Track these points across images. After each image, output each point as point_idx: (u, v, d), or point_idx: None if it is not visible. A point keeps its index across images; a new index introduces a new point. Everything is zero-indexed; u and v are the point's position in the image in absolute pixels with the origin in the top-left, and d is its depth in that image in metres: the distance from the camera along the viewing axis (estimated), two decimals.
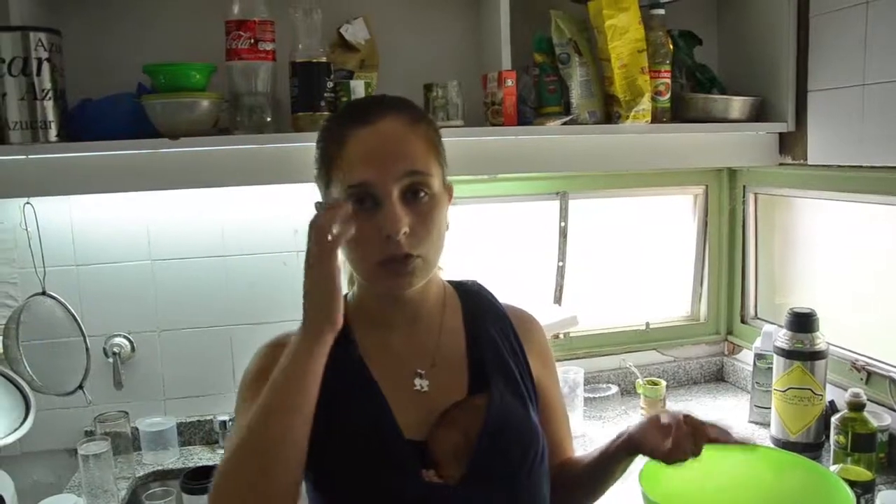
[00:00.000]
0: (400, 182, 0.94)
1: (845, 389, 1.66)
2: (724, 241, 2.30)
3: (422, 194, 0.96)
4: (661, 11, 1.84)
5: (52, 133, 1.51)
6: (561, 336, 2.17)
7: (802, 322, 1.75)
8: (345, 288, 1.13)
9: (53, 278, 1.79)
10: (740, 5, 2.02)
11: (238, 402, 1.02)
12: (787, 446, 1.74)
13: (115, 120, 1.58)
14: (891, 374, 1.71)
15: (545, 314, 2.03)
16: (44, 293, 1.77)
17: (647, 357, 2.27)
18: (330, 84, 1.65)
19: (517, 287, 2.09)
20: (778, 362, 1.78)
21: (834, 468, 1.47)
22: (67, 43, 1.56)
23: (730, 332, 2.33)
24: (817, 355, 1.73)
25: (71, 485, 1.74)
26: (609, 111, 1.83)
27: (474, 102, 1.80)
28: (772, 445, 1.80)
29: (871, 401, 1.68)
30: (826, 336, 1.76)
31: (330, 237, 0.89)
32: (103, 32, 1.72)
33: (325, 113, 1.63)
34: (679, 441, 1.02)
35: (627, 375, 2.19)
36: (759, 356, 1.96)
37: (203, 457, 1.88)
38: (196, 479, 1.67)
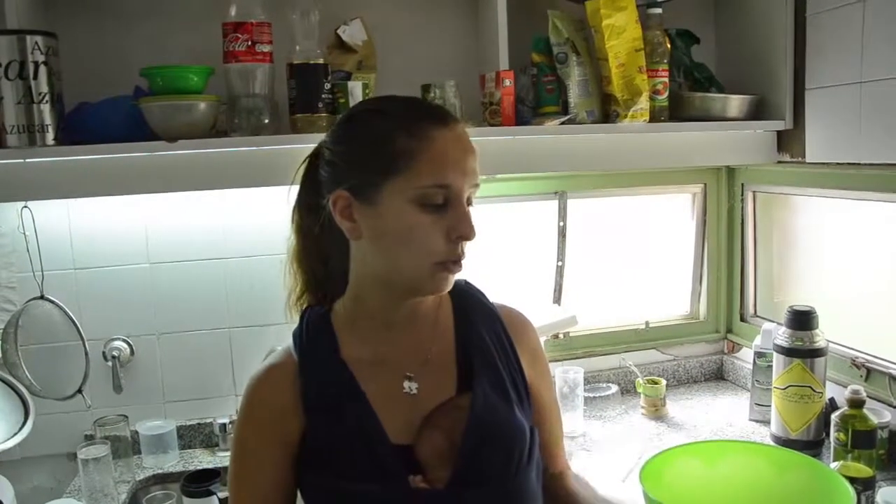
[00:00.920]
0: (470, 190, 0.99)
1: (845, 387, 1.66)
2: (722, 240, 2.30)
3: (470, 206, 1.00)
4: (659, 11, 1.84)
5: (50, 137, 1.50)
6: (560, 336, 2.16)
7: (802, 320, 1.75)
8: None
9: (52, 282, 1.78)
10: (737, 4, 2.02)
11: (233, 435, 1.08)
12: (787, 444, 1.74)
13: (112, 123, 1.57)
14: (890, 370, 1.71)
15: (544, 314, 2.04)
16: (42, 297, 1.77)
17: (647, 356, 2.27)
18: (328, 85, 1.65)
19: (516, 287, 2.09)
20: (778, 360, 1.78)
21: (834, 465, 1.47)
22: (64, 46, 1.55)
23: (729, 331, 2.33)
24: (817, 353, 1.73)
25: (71, 489, 1.73)
26: (607, 110, 1.83)
27: (472, 103, 1.80)
28: (772, 443, 1.80)
29: (871, 397, 1.68)
30: (826, 333, 1.75)
31: None
32: (100, 35, 1.71)
33: (323, 114, 1.63)
34: None
35: (627, 374, 2.19)
36: (758, 354, 1.96)
37: (203, 460, 1.87)
38: (196, 482, 1.66)
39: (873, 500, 1.43)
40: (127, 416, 1.82)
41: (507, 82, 1.72)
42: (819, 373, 1.74)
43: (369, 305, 1.05)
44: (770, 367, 1.85)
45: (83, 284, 1.84)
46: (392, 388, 1.03)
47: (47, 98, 1.49)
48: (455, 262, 0.98)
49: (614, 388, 2.11)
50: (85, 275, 1.84)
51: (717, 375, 2.33)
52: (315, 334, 1.06)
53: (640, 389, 2.09)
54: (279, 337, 1.83)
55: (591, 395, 2.07)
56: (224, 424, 1.89)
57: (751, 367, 2.01)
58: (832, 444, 1.63)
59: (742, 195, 2.21)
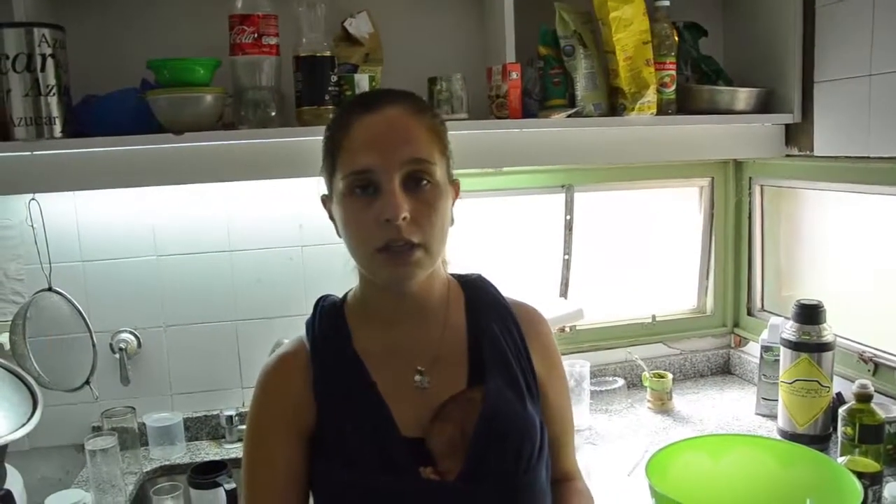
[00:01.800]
0: (402, 169, 0.94)
1: (853, 381, 1.65)
2: (730, 234, 2.29)
3: (424, 182, 0.96)
4: (666, 3, 1.83)
5: (57, 129, 1.50)
6: (567, 329, 2.16)
7: (809, 314, 1.74)
8: (349, 283, 1.13)
9: (59, 274, 1.79)
10: None
11: (247, 424, 1.07)
12: (794, 438, 1.74)
13: (119, 115, 1.58)
14: None
15: (551, 307, 2.03)
16: (50, 289, 1.78)
17: (654, 350, 2.26)
18: (334, 78, 1.64)
19: (523, 280, 2.09)
20: (785, 354, 1.78)
21: (841, 460, 1.46)
22: (71, 39, 1.55)
23: (736, 325, 2.33)
24: (824, 347, 1.73)
25: (79, 480, 1.74)
26: (614, 103, 1.83)
27: (479, 95, 1.80)
28: (779, 438, 1.80)
29: (879, 392, 1.67)
30: (833, 328, 1.75)
31: None
32: (107, 28, 1.71)
33: (330, 107, 1.63)
34: None
35: (634, 368, 2.18)
36: (765, 348, 1.96)
37: (210, 451, 1.88)
38: (203, 473, 1.67)
39: (881, 495, 1.43)
40: (134, 408, 1.83)
41: (514, 75, 1.71)
42: (826, 367, 1.73)
43: (370, 298, 1.06)
44: (777, 361, 1.84)
45: (91, 277, 1.85)
46: (403, 381, 1.02)
47: (55, 90, 1.49)
48: (392, 247, 0.94)
49: (620, 382, 2.11)
50: (92, 267, 1.85)
51: (724, 370, 2.33)
52: (328, 325, 1.06)
53: (646, 383, 2.08)
54: (286, 329, 1.85)
55: (597, 388, 2.07)
56: (231, 416, 1.89)
57: (758, 361, 2.00)
58: (839, 439, 1.62)
59: (750, 189, 2.21)
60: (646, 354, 2.21)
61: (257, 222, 1.93)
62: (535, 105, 1.85)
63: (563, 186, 2.13)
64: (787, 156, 1.96)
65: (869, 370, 1.78)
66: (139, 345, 1.89)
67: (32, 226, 1.74)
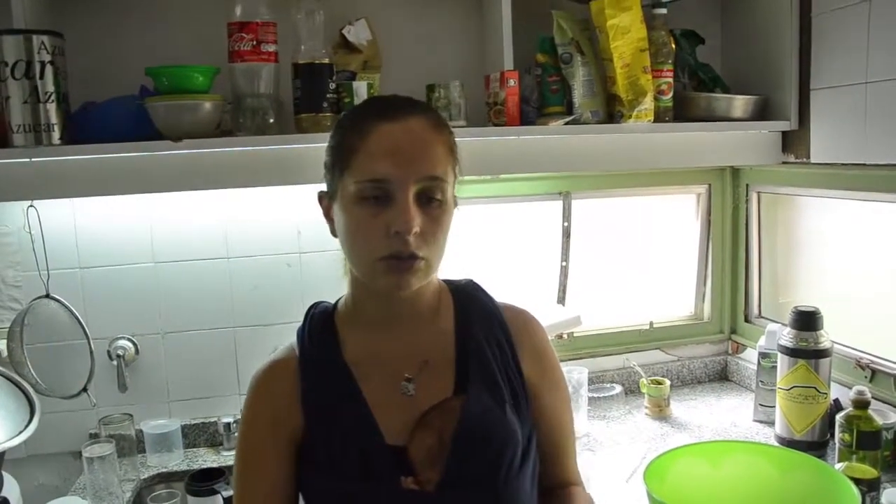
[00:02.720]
0: (419, 184, 0.94)
1: (850, 387, 1.65)
2: (727, 240, 2.30)
3: (435, 199, 0.96)
4: (664, 11, 1.84)
5: (56, 136, 1.51)
6: (565, 336, 2.16)
7: (806, 320, 1.75)
8: (341, 290, 1.13)
9: (57, 281, 1.79)
10: (742, 4, 2.02)
11: (238, 431, 1.08)
12: (791, 445, 1.74)
13: (118, 122, 1.58)
14: (895, 371, 1.71)
15: (549, 314, 2.04)
16: (47, 296, 1.77)
17: (651, 356, 2.27)
18: (332, 85, 1.65)
19: (520, 287, 2.10)
20: (782, 361, 1.78)
21: (839, 466, 1.47)
22: (70, 46, 1.56)
23: (734, 331, 2.33)
24: (821, 353, 1.73)
25: (76, 487, 1.74)
26: (611, 111, 1.83)
27: (477, 103, 1.80)
28: (776, 444, 1.80)
29: (876, 398, 1.68)
30: (830, 334, 1.75)
31: None
32: (106, 35, 1.72)
33: (328, 114, 1.63)
34: None
35: (631, 375, 2.19)
36: (763, 355, 1.96)
37: (208, 458, 1.88)
38: (201, 480, 1.67)
39: (878, 502, 1.43)
40: (132, 415, 1.83)
41: (512, 82, 1.72)
42: (824, 373, 1.73)
43: (362, 305, 1.05)
44: (774, 367, 1.84)
45: (88, 283, 1.85)
46: (390, 389, 1.02)
47: (53, 97, 1.50)
48: (396, 257, 0.94)
49: (618, 389, 2.11)
50: (90, 274, 1.85)
51: (722, 376, 2.33)
52: (318, 332, 1.06)
53: (644, 390, 2.09)
54: (284, 336, 1.83)
55: (595, 395, 2.07)
56: (228, 423, 1.89)
57: (755, 367, 2.01)
58: (837, 445, 1.62)
59: (747, 196, 2.21)
60: (643, 361, 2.22)
61: (255, 229, 1.93)
62: (532, 112, 1.86)
63: (560, 193, 2.14)
64: (784, 163, 1.97)
65: (866, 376, 1.78)
66: (137, 351, 1.89)
67: (30, 232, 1.74)
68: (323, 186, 1.04)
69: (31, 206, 1.72)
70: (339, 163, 0.98)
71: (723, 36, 2.11)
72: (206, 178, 1.65)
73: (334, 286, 1.11)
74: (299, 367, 1.03)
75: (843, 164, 1.77)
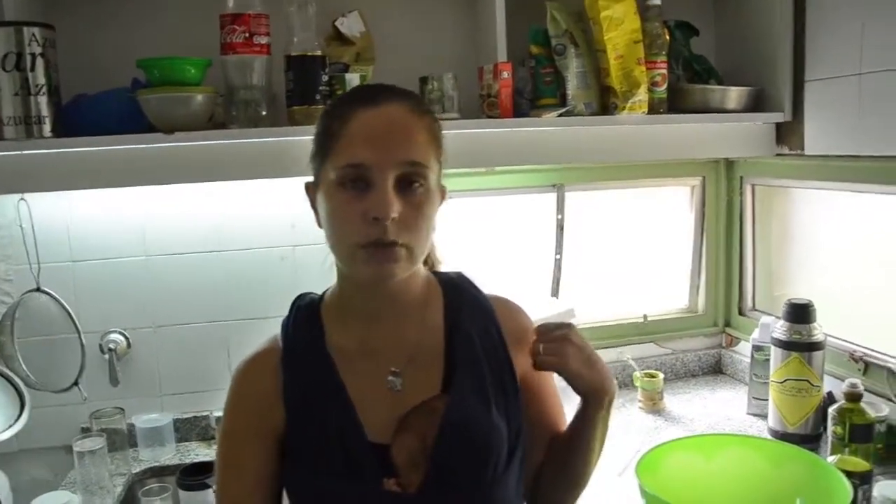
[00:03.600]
0: (397, 169, 0.92)
1: (843, 380, 1.66)
2: (721, 233, 2.30)
3: (416, 185, 0.94)
4: (657, 2, 1.83)
5: (47, 128, 1.49)
6: None
7: (800, 313, 1.75)
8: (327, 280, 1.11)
9: (48, 274, 1.78)
10: None
11: (219, 425, 1.07)
12: (784, 438, 1.74)
13: (109, 115, 1.57)
14: (888, 364, 1.71)
15: (542, 307, 2.03)
16: (39, 289, 1.77)
17: (645, 350, 2.27)
18: (325, 77, 1.64)
19: (514, 280, 2.09)
20: (776, 354, 1.78)
21: (831, 459, 1.47)
22: (61, 38, 1.54)
23: (727, 324, 2.33)
24: (815, 346, 1.73)
25: (67, 482, 1.73)
26: (605, 102, 1.82)
27: (470, 95, 1.80)
28: (770, 437, 1.80)
29: (869, 391, 1.68)
30: (824, 327, 1.75)
31: None
32: (97, 27, 1.70)
33: (321, 107, 1.62)
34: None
35: (625, 368, 2.19)
36: (756, 348, 1.96)
37: (200, 453, 1.87)
38: (192, 474, 1.66)
39: (870, 495, 1.43)
40: (123, 409, 1.82)
41: (505, 74, 1.71)
42: (817, 366, 1.74)
43: (348, 296, 1.03)
44: (768, 360, 1.85)
45: (80, 277, 1.84)
46: (375, 383, 1.00)
47: (44, 90, 1.48)
48: (376, 244, 0.92)
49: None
50: (82, 267, 1.84)
51: (715, 369, 2.33)
52: (303, 323, 1.04)
53: (637, 383, 2.09)
54: (277, 329, 1.84)
55: None
56: (220, 418, 1.88)
57: (749, 360, 2.01)
58: (829, 438, 1.62)
59: (741, 188, 2.21)
60: (637, 354, 2.22)
61: (248, 222, 1.92)
62: (526, 104, 1.85)
63: (554, 186, 2.13)
64: (778, 155, 1.97)
65: (859, 369, 1.78)
66: (129, 345, 1.88)
67: (21, 226, 1.74)
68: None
69: (21, 199, 1.72)
70: (321, 150, 0.97)
71: (717, 27, 2.10)
72: (199, 170, 1.64)
73: (328, 280, 1.10)
74: (282, 360, 1.01)
75: (837, 156, 1.77)
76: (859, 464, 1.45)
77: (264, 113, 1.61)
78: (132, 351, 1.89)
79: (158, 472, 1.81)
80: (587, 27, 1.80)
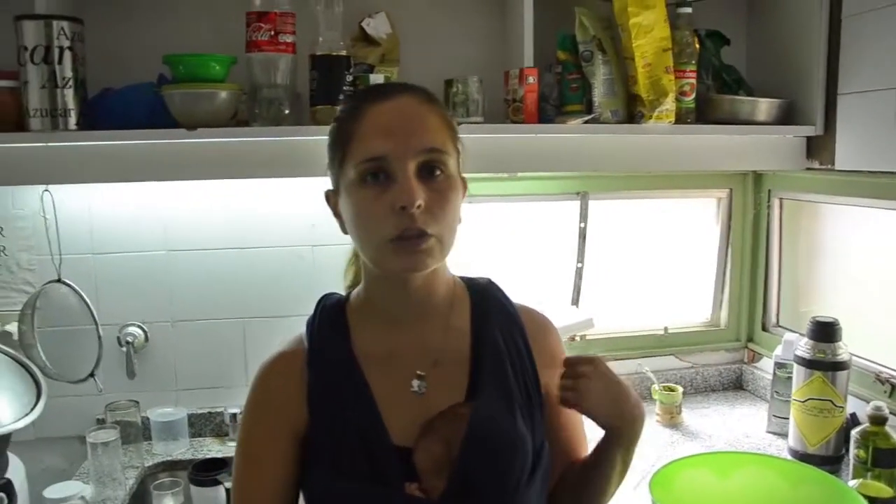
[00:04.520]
0: (417, 157, 0.92)
1: (867, 402, 1.61)
2: (747, 247, 2.26)
3: (437, 172, 0.93)
4: (688, 10, 1.81)
5: (72, 121, 1.51)
6: (577, 338, 2.14)
7: (825, 331, 1.71)
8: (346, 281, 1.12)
9: (70, 266, 1.80)
10: (770, 5, 1.97)
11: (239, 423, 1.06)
12: (804, 458, 1.70)
13: (134, 109, 1.58)
14: None
15: (562, 315, 2.01)
16: (59, 280, 1.78)
17: (665, 363, 2.23)
18: (349, 78, 1.63)
19: (534, 287, 2.07)
20: (798, 372, 1.74)
21: (853, 483, 1.43)
22: (89, 32, 1.56)
23: (750, 340, 2.29)
24: (839, 366, 1.69)
25: (80, 472, 1.74)
26: (632, 111, 1.80)
27: (495, 99, 1.78)
28: (789, 457, 1.76)
29: (895, 414, 1.63)
30: (849, 346, 1.71)
31: None
32: (125, 22, 1.72)
33: None
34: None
35: (643, 381, 2.15)
36: (779, 365, 1.92)
37: (213, 449, 1.88)
38: (205, 470, 1.67)
39: None
40: (138, 402, 1.83)
41: (531, 79, 1.70)
42: (841, 387, 1.69)
43: (375, 300, 1.03)
44: (790, 378, 1.81)
45: (100, 269, 1.85)
46: (400, 386, 0.99)
47: (71, 83, 1.50)
48: (406, 237, 0.91)
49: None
50: (102, 260, 1.85)
51: (736, 385, 2.29)
52: (328, 324, 1.03)
53: (655, 396, 2.05)
54: (294, 329, 1.82)
55: None
56: (235, 414, 1.89)
57: (771, 377, 1.97)
58: (851, 462, 1.58)
59: (769, 201, 2.17)
60: (656, 367, 2.18)
61: (269, 221, 1.92)
62: (551, 110, 1.83)
63: (577, 193, 2.11)
64: (808, 169, 1.93)
65: (885, 391, 1.73)
66: (146, 339, 1.89)
67: (45, 217, 1.75)
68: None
69: (45, 190, 1.73)
70: (338, 154, 0.96)
71: (748, 37, 2.07)
72: (221, 167, 1.64)
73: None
74: (307, 360, 1.00)
75: (869, 172, 1.72)
76: (882, 489, 1.41)
77: (287, 112, 1.61)
78: (149, 344, 1.90)
79: (171, 466, 1.82)
80: (616, 34, 1.78)
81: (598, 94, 1.78)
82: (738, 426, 2.00)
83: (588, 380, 0.99)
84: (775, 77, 1.95)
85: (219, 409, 1.94)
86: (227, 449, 1.87)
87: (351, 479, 0.94)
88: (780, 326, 2.20)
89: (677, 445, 1.89)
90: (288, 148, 1.64)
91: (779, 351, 1.94)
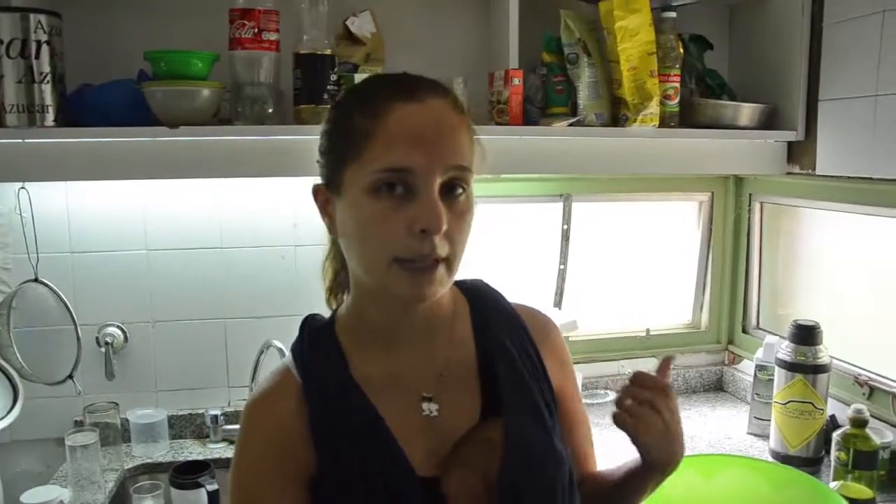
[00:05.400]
0: (445, 174, 0.81)
1: (847, 404, 1.63)
2: (727, 249, 2.27)
3: (459, 191, 0.83)
4: (673, 15, 1.82)
5: (50, 118, 1.48)
6: None
7: (806, 334, 1.72)
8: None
9: (47, 265, 1.76)
10: (753, 11, 1.99)
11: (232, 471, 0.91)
12: (786, 460, 1.72)
13: (114, 106, 1.55)
14: (894, 390, 1.69)
15: None
16: (36, 280, 1.75)
17: (647, 364, 2.24)
18: (334, 77, 1.62)
19: (517, 289, 2.06)
20: (779, 374, 1.76)
21: (834, 485, 1.44)
22: (68, 26, 1.53)
23: (731, 342, 2.31)
24: (820, 369, 1.71)
25: (58, 475, 1.71)
26: (616, 114, 1.80)
27: (479, 101, 1.78)
28: (770, 459, 1.77)
29: (874, 416, 1.65)
30: (829, 349, 1.73)
31: None
32: (105, 16, 1.69)
33: (328, 106, 1.60)
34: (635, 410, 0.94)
35: (626, 382, 2.16)
36: (760, 367, 1.93)
37: (193, 451, 1.85)
38: (185, 473, 1.64)
39: None
40: (118, 404, 1.80)
41: (516, 81, 1.69)
42: (821, 389, 1.71)
43: (367, 315, 0.92)
44: (771, 380, 1.82)
45: (79, 268, 1.82)
46: (409, 411, 0.89)
47: (48, 78, 1.47)
48: (419, 261, 0.81)
49: (612, 396, 2.08)
50: (81, 259, 1.82)
51: (717, 387, 2.31)
52: (318, 350, 0.92)
53: None
54: (276, 329, 1.83)
55: (588, 401, 2.04)
56: (216, 416, 1.87)
57: (751, 379, 1.98)
58: (832, 463, 1.60)
59: (749, 205, 2.19)
60: (638, 368, 2.18)
61: (250, 220, 1.90)
62: (536, 112, 1.83)
63: (561, 196, 2.11)
64: (789, 173, 1.94)
65: (864, 394, 1.75)
66: (126, 339, 1.86)
67: (21, 215, 1.72)
68: (318, 180, 0.91)
69: (22, 187, 1.70)
70: (345, 149, 0.84)
71: (732, 42, 2.08)
72: (202, 166, 1.62)
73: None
74: (304, 393, 0.88)
75: (849, 178, 1.74)
76: (862, 491, 1.43)
77: (271, 110, 1.60)
78: (129, 345, 1.87)
79: (151, 468, 1.79)
80: (601, 37, 1.78)
81: (583, 96, 1.78)
82: (719, 428, 2.01)
83: (655, 414, 0.92)
84: (757, 82, 1.97)
85: (199, 411, 1.91)
86: (208, 451, 1.84)
87: None
88: (760, 329, 2.21)
89: None
90: (271, 147, 1.63)
91: (759, 353, 1.95)
